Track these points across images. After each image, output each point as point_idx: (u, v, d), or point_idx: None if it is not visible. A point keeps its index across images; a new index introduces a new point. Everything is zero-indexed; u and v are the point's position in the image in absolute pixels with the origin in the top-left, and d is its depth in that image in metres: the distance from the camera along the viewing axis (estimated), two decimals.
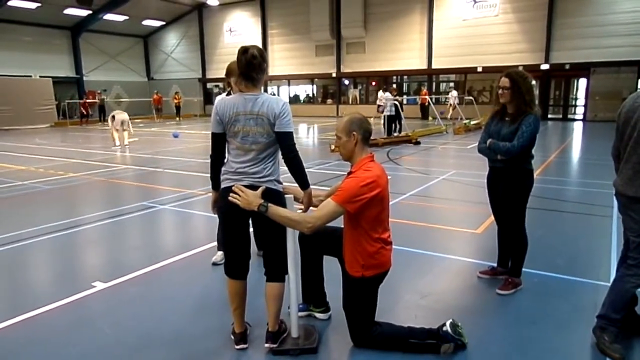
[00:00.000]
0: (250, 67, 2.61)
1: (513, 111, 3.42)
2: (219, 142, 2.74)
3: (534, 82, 3.49)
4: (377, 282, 2.80)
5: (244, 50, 2.64)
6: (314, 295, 3.21)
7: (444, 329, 2.78)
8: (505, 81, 3.38)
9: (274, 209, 2.53)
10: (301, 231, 2.64)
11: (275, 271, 2.80)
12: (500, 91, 3.43)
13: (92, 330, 3.18)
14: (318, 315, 3.22)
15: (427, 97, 22.56)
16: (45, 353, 2.92)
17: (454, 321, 2.82)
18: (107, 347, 2.95)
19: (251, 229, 2.81)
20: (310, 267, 3.14)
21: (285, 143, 2.65)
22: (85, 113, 26.06)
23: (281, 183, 2.77)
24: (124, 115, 14.11)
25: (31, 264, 4.70)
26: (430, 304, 3.48)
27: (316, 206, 2.82)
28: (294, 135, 2.72)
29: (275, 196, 2.68)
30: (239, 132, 2.63)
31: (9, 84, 24.03)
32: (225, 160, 2.80)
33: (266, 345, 2.82)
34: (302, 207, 2.87)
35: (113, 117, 14.09)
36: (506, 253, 3.83)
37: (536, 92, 22.39)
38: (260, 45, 28.45)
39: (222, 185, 2.76)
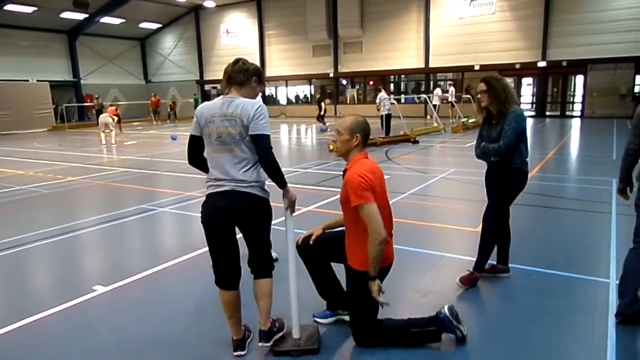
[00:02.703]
0: (234, 72, 2.69)
1: (496, 113, 3.56)
2: (193, 145, 2.75)
3: (508, 81, 3.62)
4: (381, 277, 2.82)
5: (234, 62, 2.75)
6: (336, 300, 3.17)
7: (442, 312, 2.82)
8: (481, 85, 3.56)
9: (371, 267, 2.61)
10: (383, 239, 2.58)
11: (262, 267, 2.79)
12: (479, 96, 3.59)
13: (92, 334, 3.18)
14: (346, 318, 3.13)
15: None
16: (46, 358, 2.92)
17: (451, 305, 2.87)
18: (108, 351, 2.95)
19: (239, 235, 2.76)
20: (319, 274, 3.12)
21: (261, 146, 2.60)
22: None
23: (267, 191, 2.72)
24: (107, 118, 15.85)
25: (31, 269, 4.70)
26: (431, 302, 3.48)
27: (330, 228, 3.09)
28: (271, 138, 2.68)
29: (259, 203, 2.66)
30: (213, 133, 2.62)
31: (7, 89, 24.02)
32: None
33: (259, 344, 2.80)
34: (290, 207, 2.80)
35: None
36: (505, 250, 3.85)
37: (528, 92, 22.32)
38: (257, 46, 28.31)
39: (206, 192, 2.72)
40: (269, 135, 2.63)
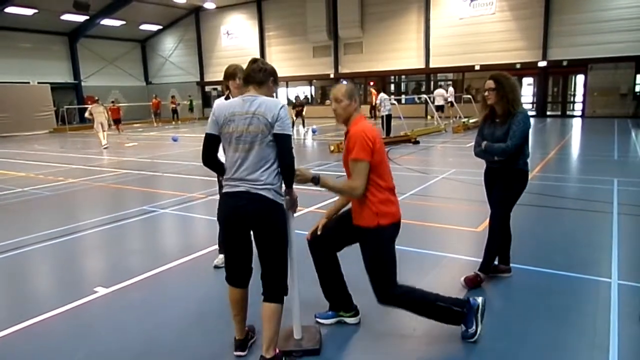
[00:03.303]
0: (253, 71, 2.68)
1: (501, 112, 3.51)
2: (210, 144, 2.69)
3: (516, 80, 3.59)
4: (393, 234, 2.85)
5: (252, 61, 2.76)
6: (340, 301, 3.16)
7: (477, 299, 2.87)
8: (490, 83, 3.50)
9: (324, 180, 2.75)
10: (353, 197, 2.80)
11: (271, 288, 2.66)
12: (486, 93, 3.53)
13: (94, 336, 3.19)
14: (348, 320, 3.16)
15: (375, 97, 22.19)
16: None
17: (485, 301, 2.91)
18: (109, 353, 2.95)
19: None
20: (327, 271, 3.09)
21: (284, 146, 2.58)
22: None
23: (282, 195, 2.66)
24: (102, 117, 15.39)
25: (32, 271, 4.71)
26: None
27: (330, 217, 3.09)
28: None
29: (272, 206, 2.59)
30: (233, 132, 2.57)
31: (8, 91, 24.05)
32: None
33: None
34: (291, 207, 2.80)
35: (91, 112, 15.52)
36: (506, 250, 3.85)
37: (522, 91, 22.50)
38: (258, 47, 28.32)
39: (223, 191, 2.71)
40: (291, 135, 2.63)
